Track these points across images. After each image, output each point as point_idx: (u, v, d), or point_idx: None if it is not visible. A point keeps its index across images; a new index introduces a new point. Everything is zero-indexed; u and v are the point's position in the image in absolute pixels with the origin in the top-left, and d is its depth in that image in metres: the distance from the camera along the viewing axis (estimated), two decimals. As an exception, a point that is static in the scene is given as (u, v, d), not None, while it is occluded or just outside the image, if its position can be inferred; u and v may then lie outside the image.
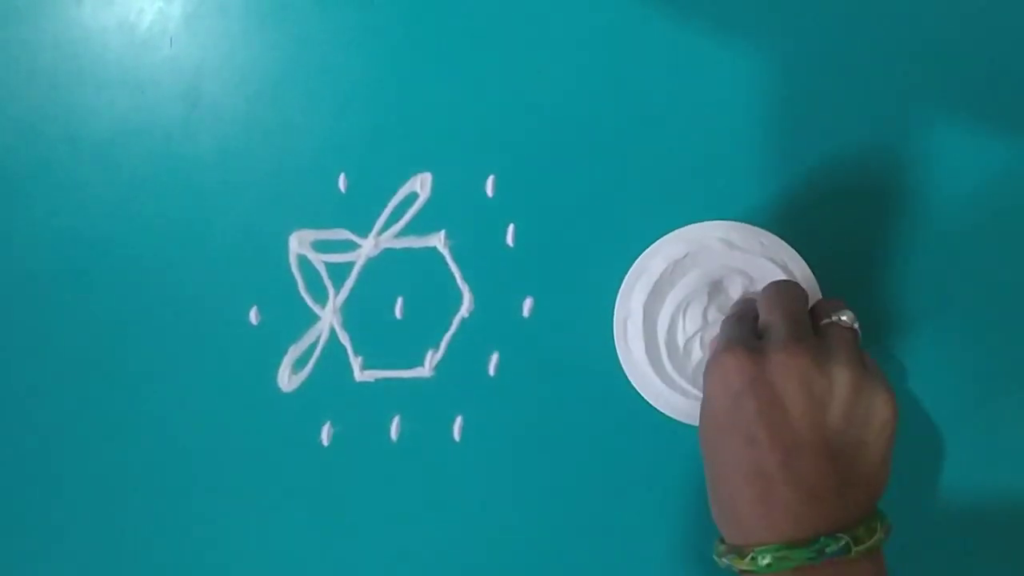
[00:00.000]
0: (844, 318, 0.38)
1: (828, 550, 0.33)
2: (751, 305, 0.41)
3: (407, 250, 0.49)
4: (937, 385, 0.48)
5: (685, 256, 0.42)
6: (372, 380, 0.50)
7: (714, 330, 0.42)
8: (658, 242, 0.42)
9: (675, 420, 0.44)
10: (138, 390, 0.50)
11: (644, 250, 0.43)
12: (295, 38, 0.49)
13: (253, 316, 0.50)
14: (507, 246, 0.49)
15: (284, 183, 0.49)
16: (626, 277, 0.43)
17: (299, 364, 0.50)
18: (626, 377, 0.44)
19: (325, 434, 0.50)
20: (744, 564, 0.34)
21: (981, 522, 0.49)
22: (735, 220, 0.42)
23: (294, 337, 0.50)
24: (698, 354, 0.42)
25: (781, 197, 0.48)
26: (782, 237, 0.42)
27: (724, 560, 0.36)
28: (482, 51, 0.49)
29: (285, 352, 0.50)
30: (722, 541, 0.37)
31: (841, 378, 0.35)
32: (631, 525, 0.49)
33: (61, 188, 0.50)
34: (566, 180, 0.49)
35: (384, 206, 0.49)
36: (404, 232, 0.49)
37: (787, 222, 0.45)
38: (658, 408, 0.43)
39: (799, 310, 0.38)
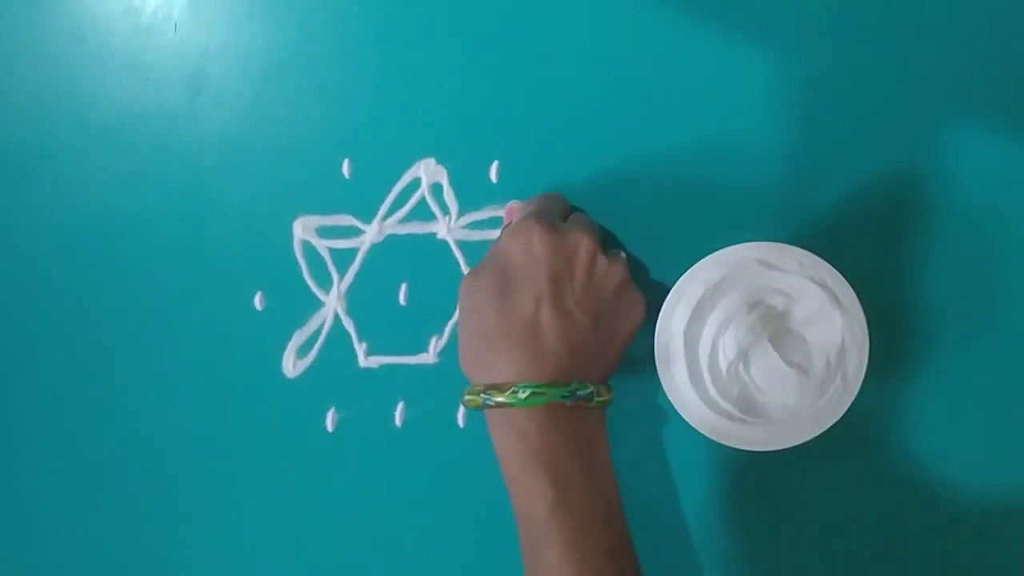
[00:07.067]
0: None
1: (579, 393, 0.40)
2: (562, 199, 0.47)
3: (411, 236, 0.49)
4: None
5: (723, 279, 0.42)
6: (376, 366, 0.50)
7: (756, 349, 0.42)
8: (695, 266, 0.42)
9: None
10: (143, 376, 0.51)
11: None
12: (299, 24, 0.49)
13: (258, 302, 0.50)
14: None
15: (288, 168, 0.49)
16: (665, 302, 0.43)
17: (303, 350, 0.50)
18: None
19: (330, 420, 0.50)
20: (503, 397, 0.40)
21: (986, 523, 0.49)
22: (771, 241, 0.42)
23: (299, 323, 0.50)
24: (741, 375, 0.42)
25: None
26: (820, 255, 0.42)
27: (480, 398, 0.41)
28: (488, 36, 0.48)
29: (290, 338, 0.50)
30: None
31: (617, 269, 0.43)
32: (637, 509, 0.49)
33: (66, 173, 0.50)
34: (571, 165, 0.48)
35: (388, 192, 0.49)
36: (408, 218, 0.49)
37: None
38: (702, 432, 0.43)
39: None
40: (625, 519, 0.42)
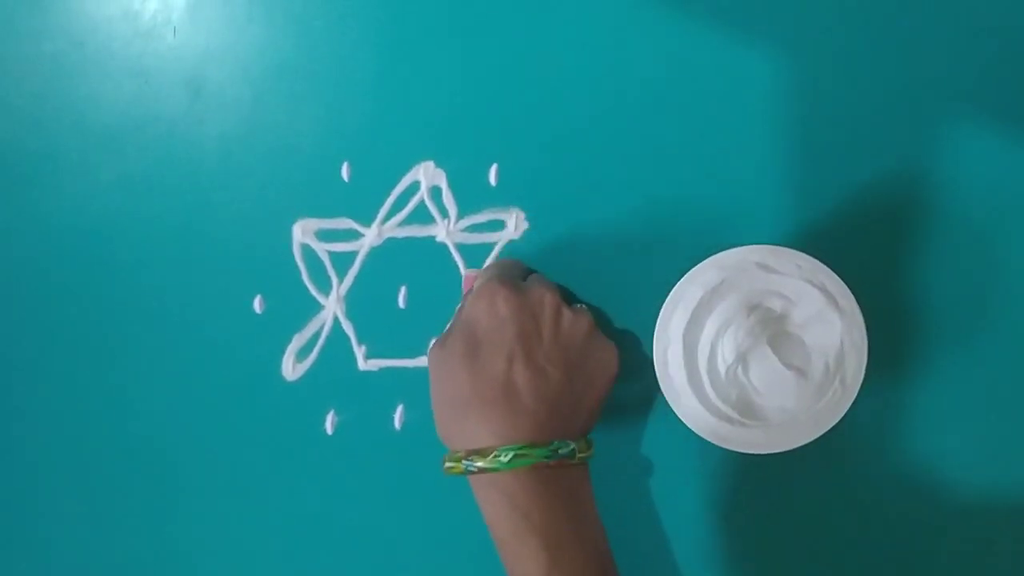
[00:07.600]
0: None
1: (560, 451, 0.40)
2: (519, 262, 0.48)
3: (410, 239, 0.49)
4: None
5: (722, 282, 0.42)
6: (376, 369, 0.50)
7: (754, 352, 0.42)
8: (694, 270, 0.42)
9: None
10: (142, 378, 0.51)
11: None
12: (298, 27, 0.49)
13: (257, 305, 0.50)
14: (510, 235, 0.49)
15: (288, 172, 0.49)
16: (663, 305, 0.43)
17: (303, 353, 0.50)
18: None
19: (329, 423, 0.50)
20: (485, 462, 0.40)
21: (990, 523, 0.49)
22: (770, 244, 0.42)
23: (298, 326, 0.50)
24: (740, 378, 0.42)
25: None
26: (818, 259, 0.42)
27: (462, 464, 0.40)
28: (487, 39, 0.48)
29: (289, 341, 0.50)
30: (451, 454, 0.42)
31: (583, 320, 0.43)
32: (636, 512, 0.49)
33: (66, 177, 0.50)
34: (569, 167, 0.48)
35: (387, 195, 0.49)
36: (407, 221, 0.49)
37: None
38: (700, 435, 0.43)
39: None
40: (617, 571, 0.42)
